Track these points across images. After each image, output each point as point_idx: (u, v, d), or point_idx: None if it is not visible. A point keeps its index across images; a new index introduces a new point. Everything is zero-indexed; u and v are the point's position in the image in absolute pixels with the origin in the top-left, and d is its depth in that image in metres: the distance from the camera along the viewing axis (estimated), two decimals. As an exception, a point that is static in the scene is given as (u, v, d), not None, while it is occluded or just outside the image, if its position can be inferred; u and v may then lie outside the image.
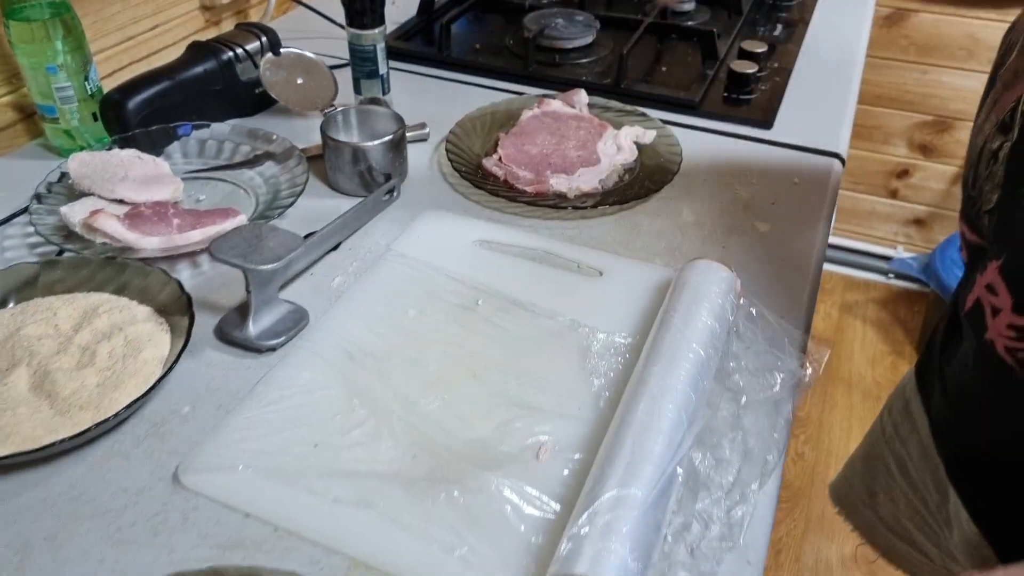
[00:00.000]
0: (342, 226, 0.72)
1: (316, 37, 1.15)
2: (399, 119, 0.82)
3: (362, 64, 0.90)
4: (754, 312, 0.61)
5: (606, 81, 1.00)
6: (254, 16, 1.19)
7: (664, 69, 1.05)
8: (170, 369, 0.56)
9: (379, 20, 0.88)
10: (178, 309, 0.61)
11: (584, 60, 1.06)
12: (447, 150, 0.84)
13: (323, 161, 0.82)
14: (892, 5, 1.76)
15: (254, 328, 0.62)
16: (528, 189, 0.80)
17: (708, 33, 1.04)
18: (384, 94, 0.93)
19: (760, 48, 1.03)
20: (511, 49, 1.10)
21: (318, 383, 0.58)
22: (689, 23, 1.16)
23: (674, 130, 0.90)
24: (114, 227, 0.68)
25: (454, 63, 1.06)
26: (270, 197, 0.79)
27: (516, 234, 0.75)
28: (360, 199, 0.77)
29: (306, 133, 0.91)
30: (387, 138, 0.78)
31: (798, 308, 0.67)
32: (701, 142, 0.91)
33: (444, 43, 1.07)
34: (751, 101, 0.98)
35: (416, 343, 0.62)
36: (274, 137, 0.84)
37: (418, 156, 0.88)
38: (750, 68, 0.98)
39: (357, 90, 0.92)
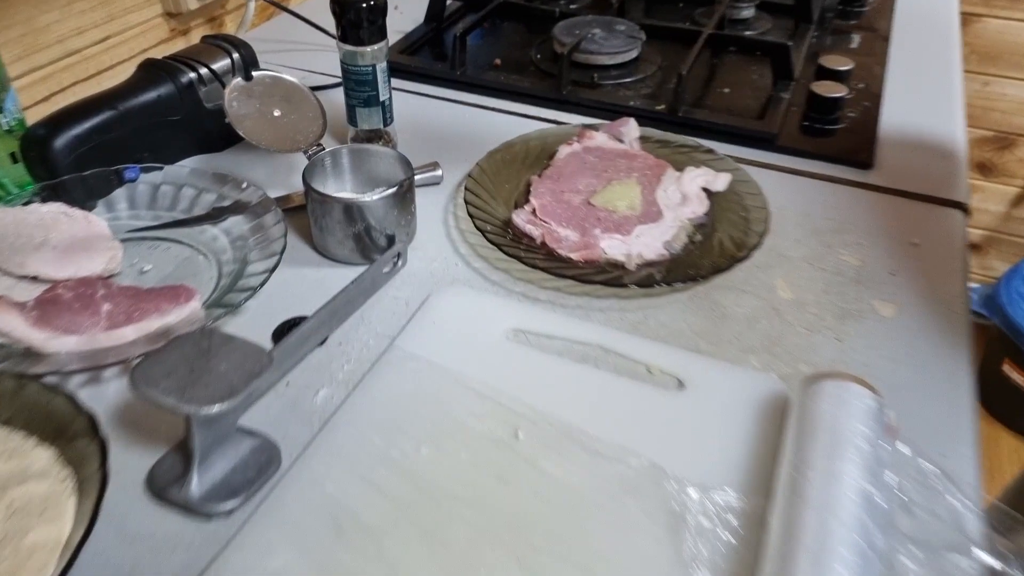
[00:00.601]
0: (330, 315, 0.54)
1: (305, 49, 0.97)
2: (405, 162, 0.63)
3: (358, 89, 0.71)
4: (926, 467, 0.42)
5: (659, 107, 0.81)
6: (230, 25, 1.00)
7: (726, 91, 0.86)
8: (69, 566, 0.38)
9: (379, 34, 0.69)
10: (91, 455, 0.43)
11: (629, 80, 0.87)
12: (466, 201, 0.66)
13: (307, 214, 0.63)
14: (955, 9, 1.57)
15: (199, 484, 0.43)
16: (574, 256, 0.61)
17: (781, 47, 0.85)
18: (386, 125, 0.74)
19: (845, 65, 0.84)
20: (538, 65, 0.91)
21: (289, 577, 0.40)
22: (748, 33, 0.98)
23: (748, 170, 0.71)
24: (13, 323, 0.49)
25: (470, 83, 0.88)
26: (236, 267, 0.60)
27: (561, 321, 0.56)
28: (354, 268, 0.58)
29: (287, 173, 0.73)
30: (390, 191, 0.60)
31: (957, 442, 0.48)
32: (782, 186, 0.72)
33: (458, 58, 0.88)
34: (837, 132, 0.79)
35: (432, 504, 0.43)
36: (244, 185, 0.66)
37: (428, 206, 0.69)
38: (838, 91, 0.79)
39: (352, 120, 0.73)
